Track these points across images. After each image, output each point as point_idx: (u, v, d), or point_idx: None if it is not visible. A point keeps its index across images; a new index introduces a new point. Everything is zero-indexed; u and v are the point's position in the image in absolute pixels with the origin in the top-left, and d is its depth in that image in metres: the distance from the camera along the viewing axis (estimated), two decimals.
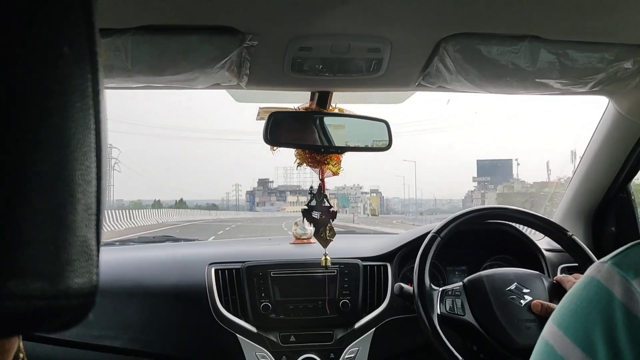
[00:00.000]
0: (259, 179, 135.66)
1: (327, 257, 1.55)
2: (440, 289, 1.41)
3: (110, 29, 1.05)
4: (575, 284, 0.60)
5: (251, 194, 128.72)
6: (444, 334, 1.32)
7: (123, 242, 2.03)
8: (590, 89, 1.30)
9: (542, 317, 1.29)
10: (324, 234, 1.52)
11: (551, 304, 1.29)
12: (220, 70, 1.17)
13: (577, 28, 1.12)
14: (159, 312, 1.57)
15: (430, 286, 1.40)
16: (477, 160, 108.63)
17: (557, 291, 1.34)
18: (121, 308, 1.57)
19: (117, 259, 1.75)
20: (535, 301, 1.31)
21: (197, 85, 1.25)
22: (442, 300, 1.39)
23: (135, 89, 1.27)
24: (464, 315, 1.37)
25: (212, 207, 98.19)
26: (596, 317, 0.54)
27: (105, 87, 0.97)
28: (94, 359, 1.55)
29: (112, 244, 2.04)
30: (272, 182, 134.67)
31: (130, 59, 1.10)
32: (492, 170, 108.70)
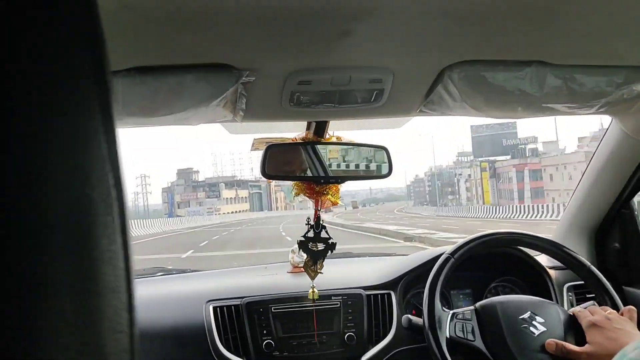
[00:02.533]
0: (179, 170, 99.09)
1: (315, 290, 1.50)
2: (451, 311, 1.37)
3: None
4: (633, 349, 0.54)
5: (169, 191, 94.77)
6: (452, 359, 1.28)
7: None
8: (596, 110, 1.27)
9: None
10: (314, 265, 1.47)
11: (566, 344, 1.24)
12: (215, 108, 1.11)
13: (584, 52, 1.08)
14: (158, 355, 1.50)
15: (441, 308, 1.36)
16: (473, 137, 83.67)
17: (572, 325, 1.30)
18: None
19: None
20: (549, 340, 1.26)
21: (191, 123, 1.19)
22: (451, 323, 1.34)
23: (125, 128, 1.20)
24: (474, 341, 1.32)
25: None
26: None
27: None
28: None
29: None
30: (198, 172, 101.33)
31: (121, 102, 1.03)
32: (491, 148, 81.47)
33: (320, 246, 1.50)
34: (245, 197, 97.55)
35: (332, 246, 1.49)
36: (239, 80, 1.06)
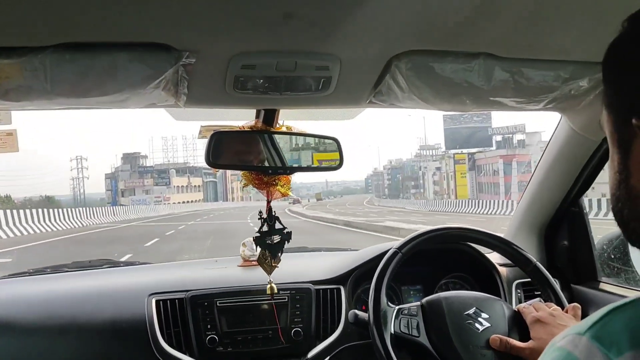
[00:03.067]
0: (125, 154, 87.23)
1: (273, 284, 1.45)
2: (397, 307, 1.35)
3: (25, 47, 0.93)
4: (548, 355, 0.52)
5: (112, 177, 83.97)
6: (398, 356, 1.26)
7: (56, 269, 1.87)
8: (544, 106, 1.27)
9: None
10: (268, 259, 1.42)
11: (510, 340, 1.24)
12: (154, 90, 1.07)
13: (532, 46, 1.08)
14: (95, 351, 1.44)
15: (387, 303, 1.34)
16: (445, 129, 75.49)
17: (516, 321, 1.30)
18: (52, 347, 1.43)
19: (47, 291, 1.61)
20: (493, 336, 1.26)
21: (129, 106, 1.14)
22: (397, 319, 1.32)
23: (57, 110, 1.14)
24: (418, 337, 1.30)
25: (48, 202, 57.77)
26: None
27: (23, 109, 0.83)
28: None
29: (43, 271, 1.88)
30: (146, 157, 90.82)
31: (50, 80, 0.98)
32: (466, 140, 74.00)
33: (277, 238, 1.45)
34: (199, 186, 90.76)
35: (288, 236, 1.43)
36: (178, 62, 1.01)
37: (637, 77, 0.54)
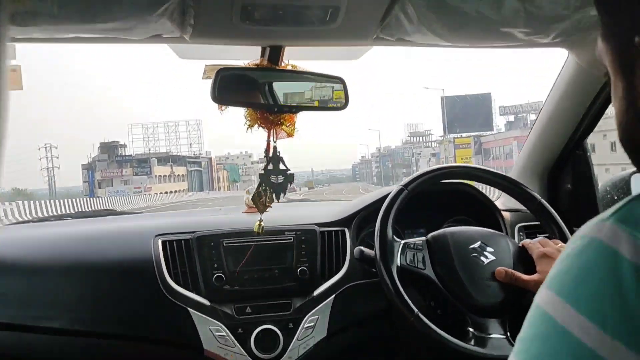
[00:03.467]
0: (102, 143, 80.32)
1: (262, 223, 1.47)
2: (403, 241, 1.37)
3: None
4: (570, 245, 0.52)
5: (90, 167, 76.54)
6: (403, 289, 1.28)
7: (60, 217, 1.88)
8: (552, 39, 1.26)
9: None
10: (263, 198, 1.43)
11: (516, 273, 1.26)
12: (160, 19, 1.05)
13: None
14: (102, 289, 1.46)
15: (393, 237, 1.35)
16: (444, 97, 67.63)
17: (521, 256, 1.31)
18: (59, 286, 1.44)
19: (53, 234, 1.62)
20: (499, 268, 1.27)
21: (135, 36, 1.12)
22: (402, 253, 1.34)
23: (65, 42, 1.12)
24: (424, 269, 1.33)
25: (19, 194, 56.97)
26: (604, 282, 0.47)
27: (31, 37, 0.82)
28: (32, 342, 1.43)
29: (47, 219, 1.89)
30: (125, 146, 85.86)
31: (57, 3, 0.96)
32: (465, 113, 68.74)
33: (280, 178, 1.46)
34: (183, 176, 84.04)
35: (291, 177, 1.44)
36: None
37: None
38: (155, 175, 75.34)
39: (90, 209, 24.07)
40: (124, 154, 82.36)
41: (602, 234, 0.49)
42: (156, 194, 58.89)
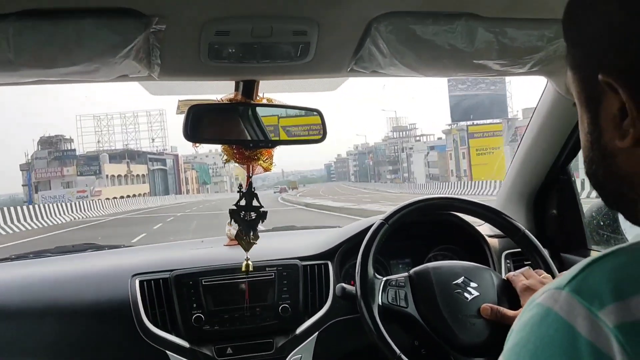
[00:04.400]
0: (42, 137, 65.76)
1: (249, 262, 1.42)
2: (384, 278, 1.33)
3: None
4: (527, 313, 0.50)
5: (28, 168, 62.39)
6: (385, 328, 1.24)
7: (38, 254, 1.83)
8: (529, 69, 1.23)
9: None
10: (247, 236, 1.39)
11: (501, 309, 1.22)
12: (124, 60, 1.02)
13: (515, 4, 1.04)
14: (77, 333, 1.41)
15: (374, 275, 1.31)
16: (450, 96, 57.23)
17: (506, 290, 1.28)
18: (33, 331, 1.40)
19: (28, 275, 1.58)
20: (484, 305, 1.24)
21: (100, 78, 1.09)
22: (384, 291, 1.30)
23: (26, 84, 1.09)
24: (406, 308, 1.29)
25: None
26: None
27: None
28: None
29: (25, 256, 1.84)
30: (71, 140, 68.79)
31: (13, 50, 0.93)
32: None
33: (252, 215, 1.43)
34: (143, 176, 70.16)
35: (264, 215, 1.42)
36: (148, 28, 0.97)
37: (597, 32, 0.52)
38: (107, 176, 60.74)
39: (22, 219, 21.27)
40: (67, 150, 65.72)
41: (558, 305, 0.47)
42: (107, 199, 42.77)
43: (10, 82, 1.06)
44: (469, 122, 58.25)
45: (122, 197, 47.85)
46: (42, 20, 0.91)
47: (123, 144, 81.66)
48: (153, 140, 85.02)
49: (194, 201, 50.10)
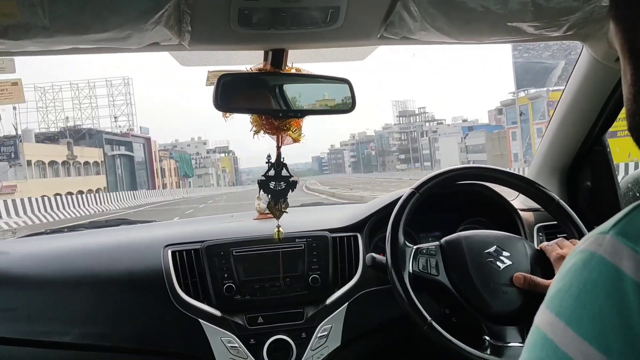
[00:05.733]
0: None
1: (280, 229, 1.42)
2: (415, 246, 1.32)
3: None
4: (570, 260, 0.49)
5: None
6: (417, 297, 1.23)
7: (72, 229, 1.88)
8: (564, 32, 1.20)
9: None
10: (278, 204, 1.40)
11: (535, 278, 1.21)
12: (156, 27, 1.03)
13: None
14: (111, 302, 1.44)
15: (405, 243, 1.31)
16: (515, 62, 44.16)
17: (539, 259, 1.26)
18: (70, 300, 1.44)
19: (63, 246, 1.62)
20: (517, 274, 1.23)
21: (132, 45, 1.10)
22: (415, 259, 1.30)
23: (61, 53, 1.11)
24: (437, 276, 1.28)
25: None
26: (605, 302, 0.44)
27: (26, 50, 0.80)
28: (43, 357, 1.42)
29: (60, 230, 1.89)
30: None
31: (48, 16, 0.95)
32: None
33: (282, 185, 1.43)
34: (97, 164, 48.46)
35: (293, 184, 1.42)
36: None
37: None
38: (31, 162, 38.03)
39: None
40: None
41: (602, 248, 0.46)
42: (24, 199, 21.51)
43: (44, 49, 1.08)
44: (548, 88, 41.49)
45: (57, 194, 25.96)
46: None
47: (74, 122, 56.97)
48: (116, 118, 60.52)
49: (171, 200, 38.68)
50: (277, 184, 1.41)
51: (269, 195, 1.42)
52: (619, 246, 0.45)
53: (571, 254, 0.50)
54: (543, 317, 0.47)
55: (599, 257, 0.46)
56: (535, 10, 1.10)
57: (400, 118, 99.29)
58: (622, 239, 0.45)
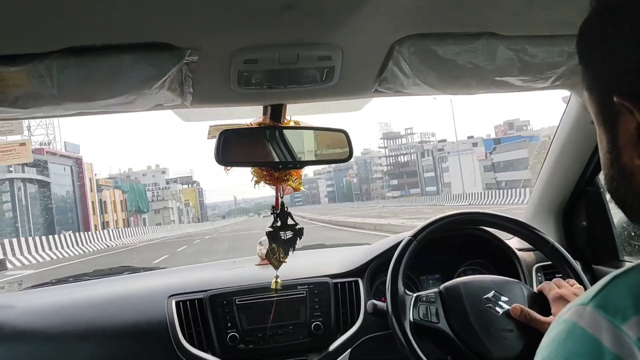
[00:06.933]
0: None
1: (278, 280, 1.45)
2: (414, 294, 1.34)
3: (31, 54, 0.95)
4: (554, 329, 0.52)
5: None
6: (418, 344, 1.25)
7: (77, 278, 1.90)
8: (551, 83, 1.25)
9: (520, 326, 1.23)
10: (277, 254, 1.42)
11: (531, 312, 1.23)
12: (159, 91, 1.08)
13: (534, 22, 1.07)
14: (117, 353, 1.46)
15: (404, 292, 1.33)
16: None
17: (537, 301, 1.28)
18: (73, 353, 1.45)
19: (68, 298, 1.64)
20: (515, 305, 1.25)
21: (137, 108, 1.15)
22: (415, 307, 1.31)
23: (68, 117, 1.16)
24: (438, 323, 1.30)
25: None
26: None
27: (32, 116, 0.85)
28: None
29: (65, 280, 1.91)
30: None
31: (57, 86, 0.99)
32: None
33: (289, 234, 1.46)
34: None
35: (300, 232, 1.44)
36: (181, 60, 1.02)
37: (610, 54, 0.53)
38: None
39: None
40: None
41: (583, 320, 0.49)
42: None
43: (51, 115, 1.13)
44: None
45: None
46: (83, 57, 0.97)
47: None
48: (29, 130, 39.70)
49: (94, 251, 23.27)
50: (284, 234, 1.44)
51: (278, 246, 1.43)
52: (599, 319, 0.48)
53: (555, 321, 0.53)
54: None
55: (581, 330, 0.49)
56: (522, 66, 1.15)
57: (385, 140, 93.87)
58: (600, 312, 0.48)
